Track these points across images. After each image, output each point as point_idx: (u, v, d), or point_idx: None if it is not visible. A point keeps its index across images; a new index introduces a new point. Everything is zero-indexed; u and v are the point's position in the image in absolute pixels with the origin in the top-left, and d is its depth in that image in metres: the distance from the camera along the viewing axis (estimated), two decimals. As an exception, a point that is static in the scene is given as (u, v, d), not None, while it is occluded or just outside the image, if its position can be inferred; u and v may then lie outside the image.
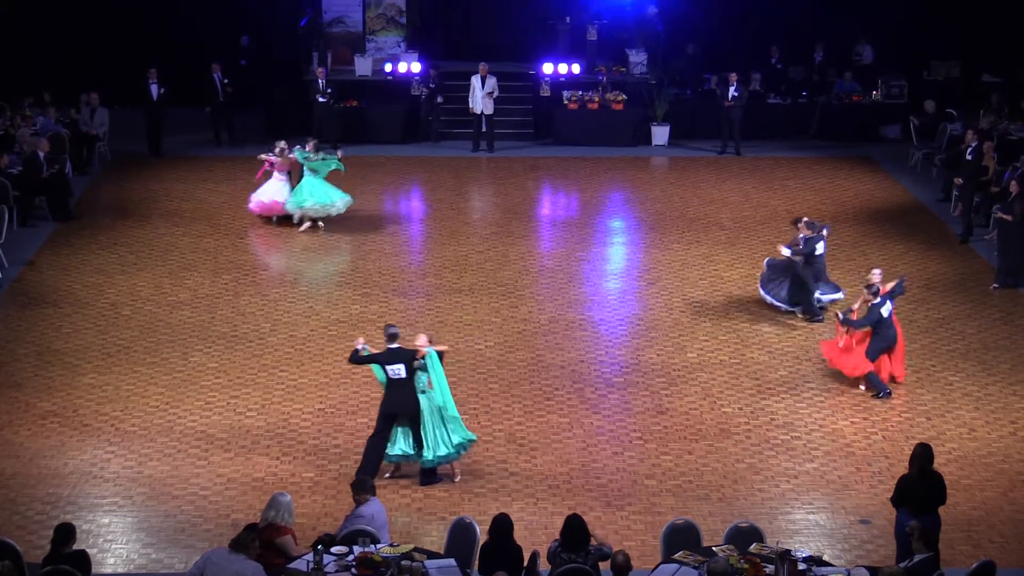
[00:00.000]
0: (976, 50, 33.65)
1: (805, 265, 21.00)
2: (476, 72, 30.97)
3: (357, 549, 13.08)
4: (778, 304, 21.35)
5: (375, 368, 16.37)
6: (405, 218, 26.92)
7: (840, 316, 18.70)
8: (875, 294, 18.48)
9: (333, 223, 25.08)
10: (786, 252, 21.15)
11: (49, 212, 25.75)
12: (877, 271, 19.21)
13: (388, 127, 31.95)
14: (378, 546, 13.21)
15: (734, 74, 30.88)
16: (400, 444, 16.15)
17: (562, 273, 23.33)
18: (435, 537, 14.76)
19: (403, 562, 12.94)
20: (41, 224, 25.40)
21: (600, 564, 12.87)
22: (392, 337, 16.29)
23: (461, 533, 13.66)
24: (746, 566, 12.78)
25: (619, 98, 31.77)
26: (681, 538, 13.56)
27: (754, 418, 17.90)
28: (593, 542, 12.92)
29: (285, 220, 25.26)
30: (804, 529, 15.30)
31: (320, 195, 25.00)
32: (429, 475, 16.17)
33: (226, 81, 31.29)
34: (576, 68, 32.32)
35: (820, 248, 21.02)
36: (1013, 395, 18.63)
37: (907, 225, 25.89)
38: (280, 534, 13.28)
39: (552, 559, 12.90)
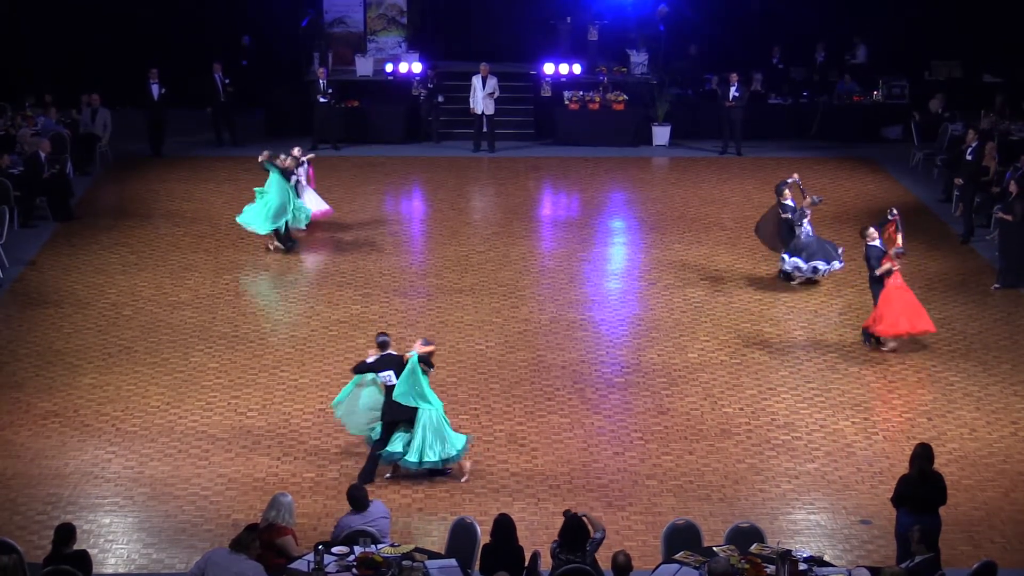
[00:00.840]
0: (977, 50, 33.65)
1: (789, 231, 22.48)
2: (477, 72, 30.97)
3: (358, 549, 13.08)
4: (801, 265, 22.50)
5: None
6: (406, 218, 26.92)
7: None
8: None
9: (335, 226, 25.04)
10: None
11: (50, 212, 25.76)
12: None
13: (389, 127, 31.95)
14: (379, 546, 13.21)
15: (735, 74, 30.88)
16: (395, 445, 16.14)
17: (563, 273, 23.33)
18: (436, 537, 14.75)
19: (404, 562, 12.94)
20: (42, 224, 25.41)
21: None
22: (383, 345, 16.30)
23: (462, 533, 13.65)
24: (747, 566, 12.77)
25: (620, 98, 31.77)
26: (682, 538, 13.55)
27: (755, 418, 17.90)
28: (590, 530, 12.92)
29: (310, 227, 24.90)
30: (805, 529, 15.30)
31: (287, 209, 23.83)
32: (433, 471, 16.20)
33: (227, 81, 31.31)
34: (577, 68, 32.32)
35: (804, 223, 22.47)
36: (1014, 395, 18.62)
37: (908, 225, 25.71)
38: (281, 534, 13.28)
39: (553, 559, 12.91)
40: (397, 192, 28.14)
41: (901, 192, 28.20)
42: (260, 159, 23.98)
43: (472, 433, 16.78)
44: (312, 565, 12.78)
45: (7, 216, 23.23)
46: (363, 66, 32.74)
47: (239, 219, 24.07)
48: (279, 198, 23.72)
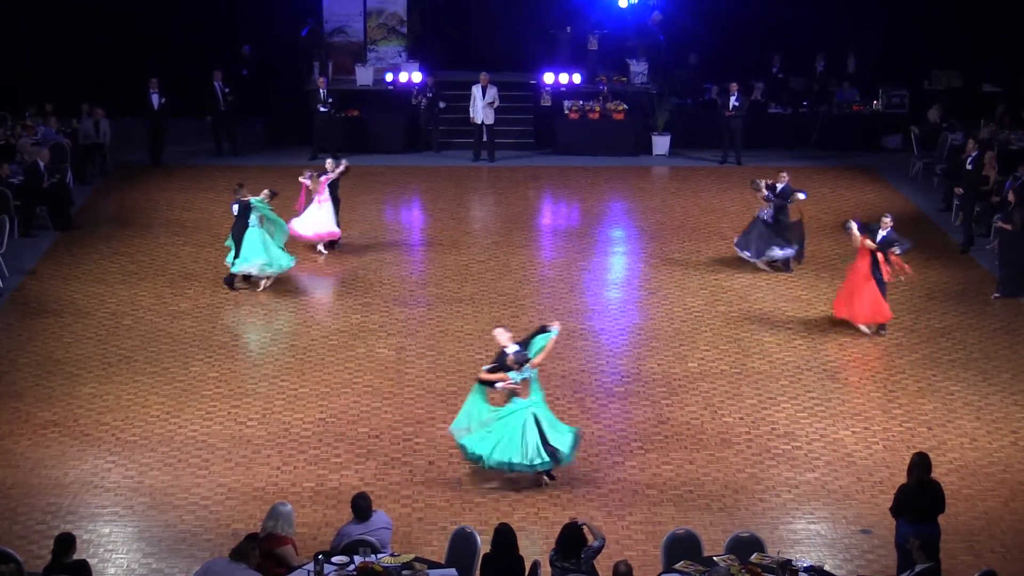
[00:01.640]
0: (976, 59, 33.69)
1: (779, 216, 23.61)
2: (477, 82, 31.01)
3: (358, 559, 13.08)
4: (751, 256, 23.68)
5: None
6: (406, 227, 26.93)
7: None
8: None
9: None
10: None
11: (50, 221, 25.78)
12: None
13: (389, 137, 31.98)
14: (379, 556, 13.21)
15: (735, 84, 30.91)
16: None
17: (563, 283, 23.34)
18: (436, 547, 14.74)
19: (404, 572, 12.95)
20: (42, 233, 25.42)
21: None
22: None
23: (462, 543, 13.64)
24: (747, 576, 12.78)
25: (620, 108, 31.81)
26: (682, 548, 13.54)
27: (755, 428, 17.90)
28: (590, 538, 12.92)
29: (329, 245, 24.74)
30: (805, 539, 15.29)
31: (263, 253, 22.45)
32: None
33: (227, 90, 31.34)
34: (577, 78, 32.37)
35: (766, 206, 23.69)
36: (1014, 405, 18.62)
37: (908, 235, 25.65)
38: (280, 544, 13.26)
39: (551, 567, 12.91)
40: (397, 201, 28.15)
41: (901, 201, 28.20)
42: (263, 196, 22.70)
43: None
44: (312, 575, 12.77)
45: (7, 225, 23.24)
46: (363, 75, 32.77)
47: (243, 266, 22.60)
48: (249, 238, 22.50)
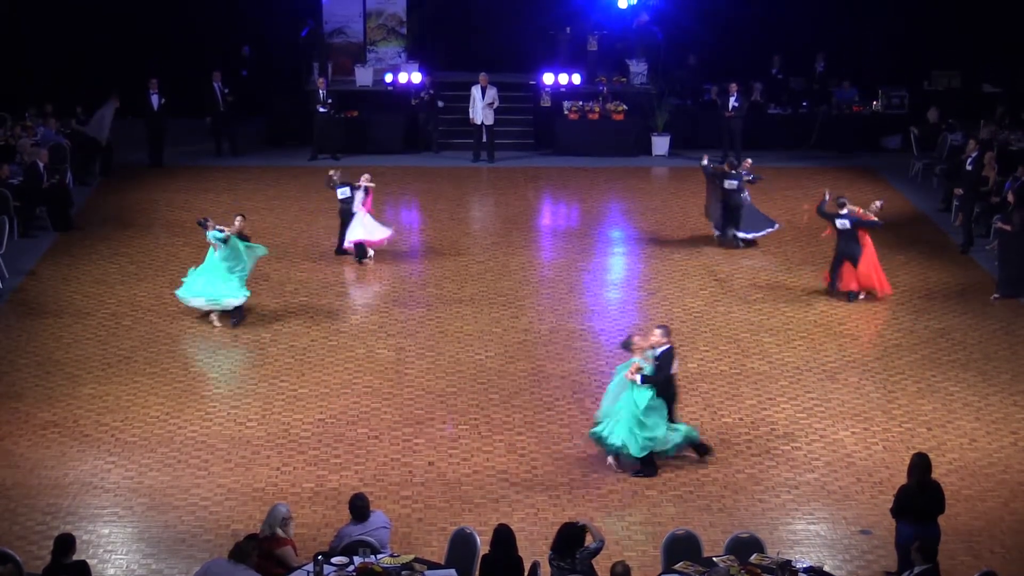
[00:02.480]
0: (976, 60, 33.69)
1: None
2: (476, 82, 31.01)
3: (357, 559, 13.08)
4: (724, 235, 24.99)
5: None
6: (405, 228, 26.89)
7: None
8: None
9: (334, 237, 25.01)
10: (731, 183, 24.70)
11: (50, 222, 25.78)
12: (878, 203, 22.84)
13: (388, 137, 31.97)
14: (378, 556, 13.21)
15: (734, 84, 30.91)
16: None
17: (563, 283, 23.34)
18: (435, 547, 14.75)
19: (403, 572, 12.95)
20: (42, 234, 25.42)
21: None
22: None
23: (462, 544, 13.64)
24: (747, 577, 12.78)
25: (619, 108, 31.82)
26: (682, 548, 13.54)
27: (755, 428, 17.90)
28: (589, 540, 12.93)
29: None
30: (805, 539, 15.29)
31: (214, 290, 21.18)
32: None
33: (227, 91, 31.35)
34: (576, 78, 32.37)
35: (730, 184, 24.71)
36: (1014, 405, 18.62)
37: (908, 235, 25.89)
38: (280, 545, 13.27)
39: (550, 567, 12.92)
40: (396, 202, 28.14)
41: (900, 202, 28.20)
42: (236, 227, 21.49)
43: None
44: (311, 575, 12.77)
45: (7, 226, 23.24)
46: (363, 76, 32.78)
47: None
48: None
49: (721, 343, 20.72)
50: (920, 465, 13.89)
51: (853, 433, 17.77)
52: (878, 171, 30.63)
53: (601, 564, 13.03)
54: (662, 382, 16.61)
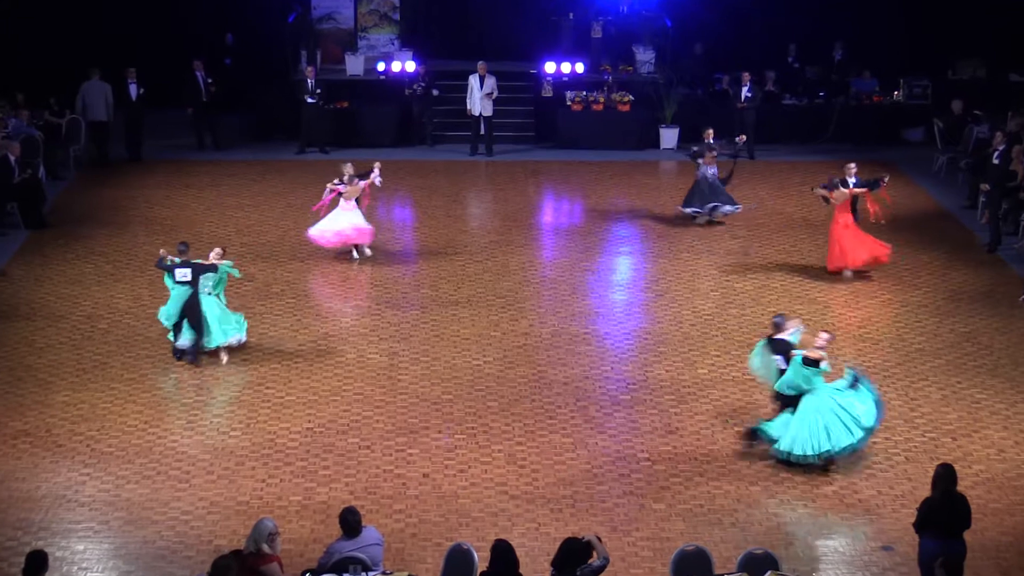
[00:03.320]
0: (1003, 48, 33.65)
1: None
2: (474, 71, 31.02)
3: (348, 577, 13.07)
4: (699, 211, 26.15)
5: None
6: (399, 226, 26.90)
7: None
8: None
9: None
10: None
11: (21, 219, 25.76)
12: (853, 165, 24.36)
13: (381, 130, 32.00)
14: (370, 574, 13.20)
15: (747, 73, 30.93)
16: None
17: (565, 284, 23.33)
18: (430, 564, 14.74)
19: (396, 591, 12.93)
20: (12, 232, 25.42)
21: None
22: (775, 327, 17.74)
23: (458, 560, 13.62)
24: (761, 595, 12.76)
25: (625, 99, 31.82)
26: (691, 565, 13.52)
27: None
28: (593, 558, 12.90)
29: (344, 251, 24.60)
30: (822, 556, 15.27)
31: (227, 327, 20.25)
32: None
33: (209, 81, 31.37)
34: (580, 67, 32.37)
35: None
36: (1044, 414, 18.64)
37: (931, 234, 25.89)
38: (265, 562, 13.23)
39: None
40: (389, 198, 28.12)
41: (923, 198, 28.21)
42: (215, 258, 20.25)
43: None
44: (299, 594, 12.76)
45: (-25, 224, 23.26)
46: (353, 65, 32.79)
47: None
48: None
49: (733, 347, 20.70)
50: (945, 477, 13.87)
51: (873, 442, 17.72)
52: (899, 165, 30.61)
53: (606, 582, 13.02)
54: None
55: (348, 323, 21.62)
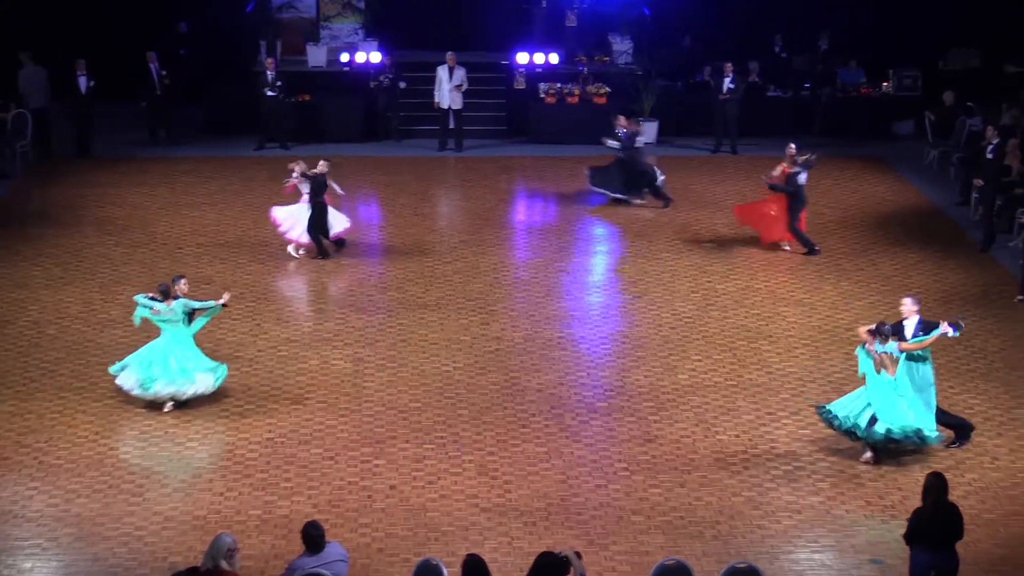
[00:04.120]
0: (997, 37, 33.79)
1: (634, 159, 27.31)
2: (443, 63, 31.01)
3: (310, 595, 13.06)
4: (616, 195, 27.44)
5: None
6: (364, 225, 26.87)
7: (764, 178, 24.42)
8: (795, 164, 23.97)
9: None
10: (613, 144, 27.54)
11: (-35, 220, 25.71)
12: (793, 146, 24.79)
13: (345, 124, 32.00)
14: (334, 591, 13.19)
15: (729, 64, 30.99)
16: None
17: (539, 286, 23.36)
18: (398, 581, 14.77)
19: (361, 609, 12.92)
20: (-44, 233, 25.38)
21: None
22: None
23: (427, 576, 13.64)
24: (744, 611, 12.80)
25: (602, 91, 31.87)
26: (672, 580, 13.56)
27: (752, 447, 17.94)
28: (570, 574, 12.92)
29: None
30: (809, 570, 15.32)
31: (175, 370, 18.81)
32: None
33: (163, 73, 31.29)
34: (554, 58, 32.44)
35: (640, 142, 27.74)
36: (1040, 420, 18.73)
37: (922, 231, 26.00)
38: (224, 579, 13.22)
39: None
40: (354, 196, 28.10)
41: (913, 195, 28.33)
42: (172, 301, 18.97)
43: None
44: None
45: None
46: (315, 56, 32.77)
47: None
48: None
49: (715, 352, 20.76)
50: (936, 486, 13.92)
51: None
52: (888, 160, 30.75)
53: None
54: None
55: (311, 327, 21.60)
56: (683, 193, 28.14)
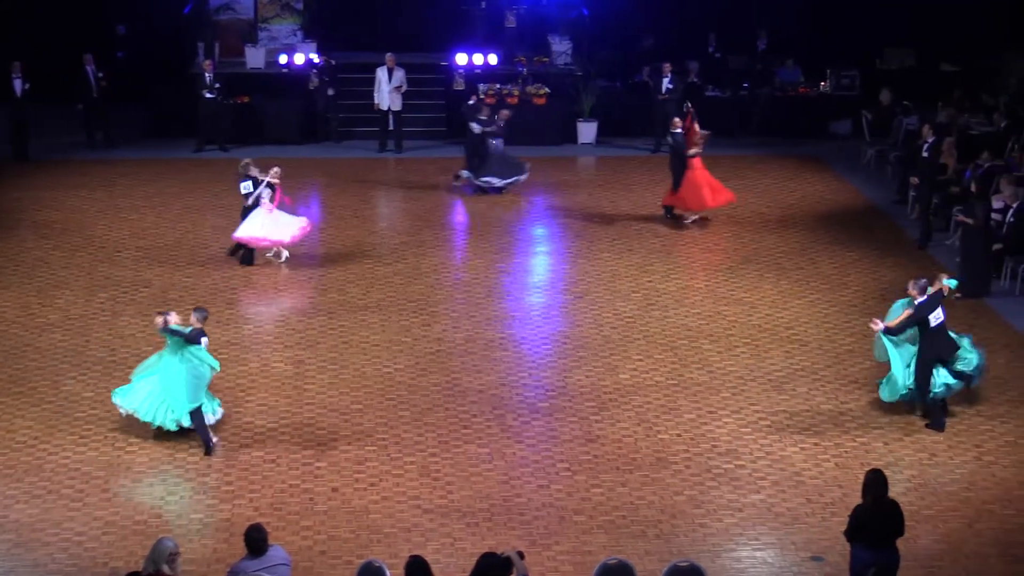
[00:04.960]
0: (932, 36, 34.00)
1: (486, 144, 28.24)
2: (382, 64, 30.98)
3: (253, 599, 13.01)
4: (505, 181, 28.25)
5: None
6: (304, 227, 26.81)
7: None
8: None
9: (224, 238, 24.87)
10: (476, 128, 28.25)
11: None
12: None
13: (284, 126, 31.91)
14: (276, 595, 13.15)
15: (668, 64, 31.07)
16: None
17: (480, 287, 23.36)
18: (340, 584, 14.74)
19: (304, 612, 12.89)
20: None
21: None
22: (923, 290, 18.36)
23: (369, 578, 13.61)
24: (687, 610, 12.83)
25: (541, 92, 31.90)
26: (615, 580, 13.58)
27: (694, 445, 17.99)
28: (512, 574, 12.93)
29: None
30: (750, 568, 15.38)
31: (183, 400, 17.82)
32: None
33: (101, 75, 31.10)
34: (493, 59, 32.45)
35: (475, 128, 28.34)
36: (977, 415, 18.84)
37: (860, 229, 26.15)
38: (165, 584, 13.16)
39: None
40: (293, 198, 27.98)
41: (851, 193, 28.49)
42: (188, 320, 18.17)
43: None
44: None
45: None
46: (254, 57, 32.66)
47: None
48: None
49: (656, 351, 20.82)
50: (876, 483, 14.00)
51: (802, 449, 17.91)
52: (827, 159, 30.94)
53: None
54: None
55: (251, 330, 21.52)
56: (623, 194, 28.22)
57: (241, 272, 23.78)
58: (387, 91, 30.93)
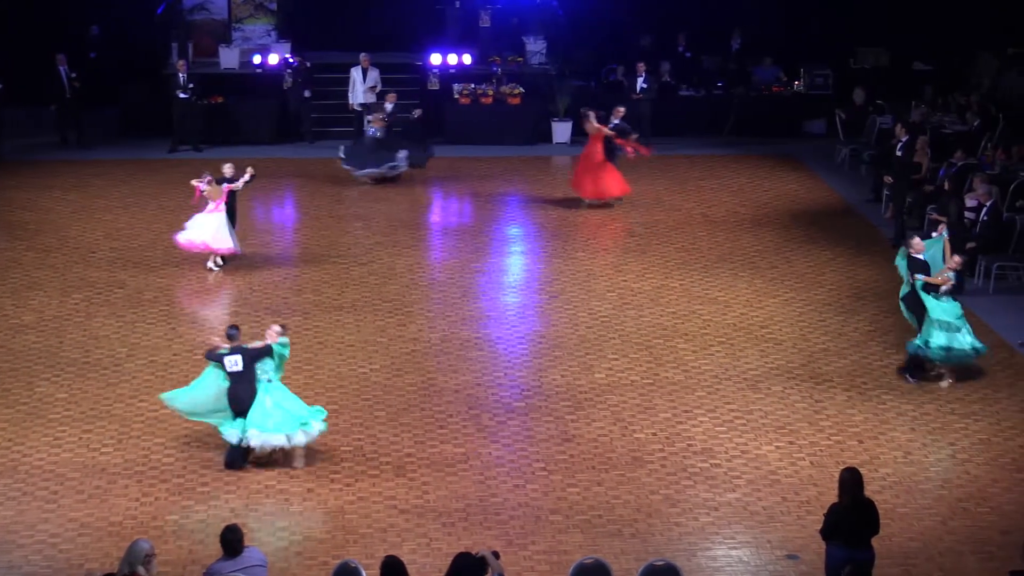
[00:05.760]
0: (906, 36, 34.11)
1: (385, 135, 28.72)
2: (356, 64, 30.96)
3: (228, 600, 13.00)
4: (377, 170, 28.60)
5: None
6: (278, 227, 26.80)
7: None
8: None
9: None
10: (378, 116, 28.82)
11: None
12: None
13: (258, 126, 31.86)
14: (252, 596, 13.14)
15: (642, 64, 31.11)
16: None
17: (455, 287, 23.36)
18: (316, 584, 14.73)
19: (280, 613, 12.88)
20: None
21: None
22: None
23: (345, 579, 13.61)
24: (663, 608, 12.86)
25: (516, 91, 31.90)
26: (591, 579, 13.61)
27: (670, 444, 18.02)
28: (488, 574, 12.94)
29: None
30: (726, 566, 15.42)
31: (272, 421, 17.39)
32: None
33: (73, 75, 31.00)
34: (467, 58, 32.44)
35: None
36: (952, 414, 18.91)
37: (834, 229, 26.22)
38: (141, 585, 13.14)
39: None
40: (267, 198, 28.00)
41: (825, 192, 28.57)
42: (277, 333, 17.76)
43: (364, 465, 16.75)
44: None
45: None
46: (228, 58, 32.58)
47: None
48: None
49: (632, 350, 20.85)
50: (851, 481, 14.04)
51: (777, 448, 17.95)
52: (801, 158, 31.01)
53: (502, 598, 13.07)
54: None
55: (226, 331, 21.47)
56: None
57: (218, 274, 23.73)
58: (361, 91, 30.92)
